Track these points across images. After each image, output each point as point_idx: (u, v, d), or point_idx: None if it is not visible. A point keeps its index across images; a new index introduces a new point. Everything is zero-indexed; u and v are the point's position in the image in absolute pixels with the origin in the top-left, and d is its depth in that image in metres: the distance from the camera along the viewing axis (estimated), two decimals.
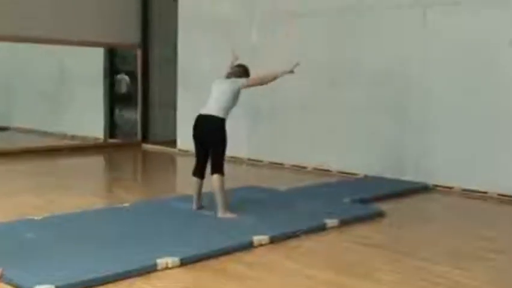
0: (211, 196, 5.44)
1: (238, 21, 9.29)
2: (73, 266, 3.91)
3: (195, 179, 5.52)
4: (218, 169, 5.32)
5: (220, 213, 5.32)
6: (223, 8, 9.52)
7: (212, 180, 5.33)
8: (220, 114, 5.34)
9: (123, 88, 11.31)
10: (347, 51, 8.08)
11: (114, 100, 11.36)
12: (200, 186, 5.52)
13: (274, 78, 5.55)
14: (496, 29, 6.80)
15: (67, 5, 9.90)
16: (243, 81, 5.49)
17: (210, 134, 5.37)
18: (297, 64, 5.51)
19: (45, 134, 11.66)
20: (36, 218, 5.14)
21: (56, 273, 3.77)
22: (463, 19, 7.04)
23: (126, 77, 11.27)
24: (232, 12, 9.39)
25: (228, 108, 5.40)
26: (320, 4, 8.34)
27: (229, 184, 6.57)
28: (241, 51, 8.72)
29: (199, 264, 4.13)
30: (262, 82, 5.61)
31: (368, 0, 7.87)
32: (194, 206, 5.54)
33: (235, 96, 5.43)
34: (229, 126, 5.43)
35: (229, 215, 5.31)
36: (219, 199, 5.32)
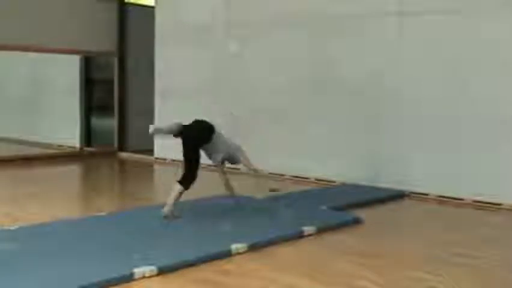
0: (184, 204, 5.40)
1: (215, 30, 9.30)
2: (46, 277, 3.86)
3: None
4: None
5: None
6: (200, 16, 9.52)
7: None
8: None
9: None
10: (324, 60, 8.13)
11: (90, 108, 11.27)
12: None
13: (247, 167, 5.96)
14: (472, 40, 6.89)
15: (43, 13, 9.81)
16: (242, 155, 5.94)
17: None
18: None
19: (20, 142, 11.50)
20: (10, 228, 5.07)
21: (29, 285, 3.72)
22: (439, 29, 7.13)
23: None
24: (208, 21, 9.39)
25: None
26: (297, 14, 8.39)
27: (207, 192, 6.57)
28: (219, 60, 8.70)
29: (177, 273, 4.11)
30: (245, 163, 5.96)
31: (345, 9, 7.94)
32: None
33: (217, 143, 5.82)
34: None
35: (166, 209, 5.50)
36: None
